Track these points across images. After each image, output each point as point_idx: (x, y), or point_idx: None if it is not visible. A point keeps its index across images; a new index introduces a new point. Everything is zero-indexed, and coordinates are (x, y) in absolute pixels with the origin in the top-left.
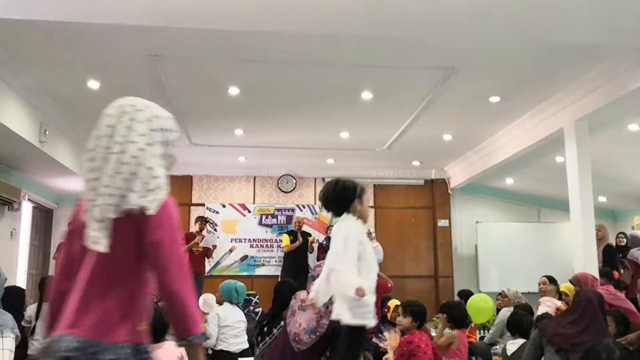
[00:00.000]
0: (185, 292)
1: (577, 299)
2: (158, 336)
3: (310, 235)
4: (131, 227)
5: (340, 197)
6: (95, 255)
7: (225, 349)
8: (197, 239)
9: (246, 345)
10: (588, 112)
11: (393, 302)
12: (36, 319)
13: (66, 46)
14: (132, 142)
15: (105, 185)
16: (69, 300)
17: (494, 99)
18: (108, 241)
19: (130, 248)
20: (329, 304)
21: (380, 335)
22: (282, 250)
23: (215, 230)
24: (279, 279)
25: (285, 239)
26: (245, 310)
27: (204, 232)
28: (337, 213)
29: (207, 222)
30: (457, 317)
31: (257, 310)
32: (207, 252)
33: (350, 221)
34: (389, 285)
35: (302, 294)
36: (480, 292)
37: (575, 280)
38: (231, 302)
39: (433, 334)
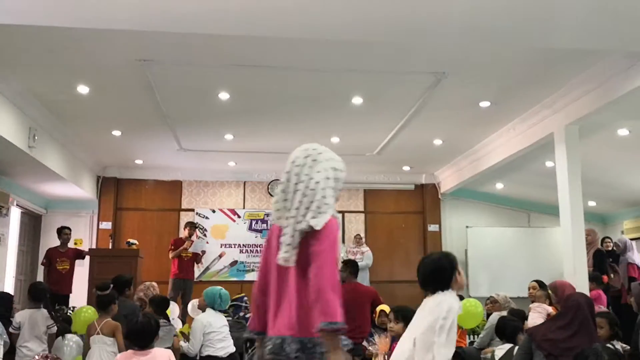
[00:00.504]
0: (331, 291)
1: (567, 304)
2: (146, 342)
3: None
4: (307, 242)
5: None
6: (288, 269)
7: (212, 354)
8: (186, 245)
9: (233, 349)
10: (578, 116)
11: (381, 307)
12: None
13: (55, 51)
14: (313, 178)
15: (292, 215)
16: (275, 305)
17: (484, 104)
18: (295, 257)
19: (308, 259)
20: None
21: (370, 339)
22: None
23: (205, 235)
24: None
25: None
26: (235, 317)
27: (193, 238)
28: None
29: (196, 227)
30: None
31: (247, 316)
32: (197, 258)
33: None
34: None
35: None
36: (470, 297)
37: (553, 288)
38: (214, 308)
39: None
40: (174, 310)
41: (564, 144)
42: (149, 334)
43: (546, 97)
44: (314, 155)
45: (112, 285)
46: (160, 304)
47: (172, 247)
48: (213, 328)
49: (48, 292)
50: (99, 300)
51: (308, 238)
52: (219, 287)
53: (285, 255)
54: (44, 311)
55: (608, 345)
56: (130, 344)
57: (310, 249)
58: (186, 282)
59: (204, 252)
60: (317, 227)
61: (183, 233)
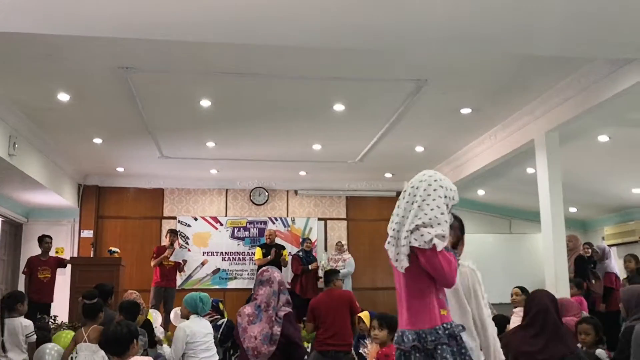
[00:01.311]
0: (450, 273)
1: (533, 310)
2: (121, 349)
3: (284, 248)
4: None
5: None
6: (403, 274)
7: None
8: (167, 253)
9: (217, 358)
10: (558, 123)
11: (362, 314)
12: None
13: (35, 58)
14: (426, 201)
15: (406, 230)
16: (400, 306)
17: (466, 111)
18: (407, 265)
19: (419, 266)
20: (278, 309)
21: (362, 343)
22: (255, 264)
23: (187, 243)
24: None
25: (258, 252)
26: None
27: (175, 246)
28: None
29: (178, 235)
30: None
31: (219, 323)
32: (179, 267)
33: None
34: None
35: (246, 309)
36: None
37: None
38: (197, 314)
39: None
40: (156, 318)
41: (544, 150)
42: (124, 341)
43: (527, 104)
44: (428, 180)
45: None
46: (129, 309)
47: (154, 255)
48: (197, 337)
49: (24, 300)
50: (86, 308)
51: (417, 251)
52: (198, 293)
53: (402, 263)
54: (22, 319)
55: (591, 351)
56: (107, 353)
57: (420, 259)
58: (168, 290)
59: (185, 261)
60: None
61: (165, 241)
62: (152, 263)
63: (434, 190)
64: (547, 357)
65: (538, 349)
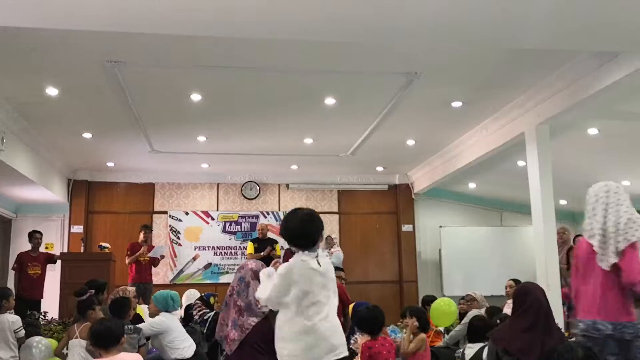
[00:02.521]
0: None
1: (524, 301)
2: (107, 344)
3: (276, 242)
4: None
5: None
6: (604, 271)
7: (180, 357)
8: (142, 250)
9: (194, 347)
10: (548, 116)
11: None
12: None
13: (23, 52)
14: (619, 205)
15: (612, 232)
16: (585, 295)
17: (456, 104)
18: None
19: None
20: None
21: (353, 339)
22: (246, 258)
23: (178, 238)
24: None
25: (250, 247)
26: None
27: (156, 243)
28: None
29: (151, 230)
30: (426, 320)
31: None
32: (154, 262)
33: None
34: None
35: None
36: (444, 296)
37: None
38: (168, 311)
39: (398, 338)
40: (147, 313)
41: (535, 143)
42: (109, 336)
43: (517, 97)
44: (614, 188)
45: (92, 290)
46: (118, 306)
47: (129, 253)
48: (175, 330)
49: (9, 296)
50: (77, 305)
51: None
52: (167, 291)
53: (610, 260)
54: (9, 315)
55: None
56: (94, 348)
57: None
58: (145, 286)
59: (162, 256)
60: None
61: (139, 237)
62: (127, 261)
63: (621, 194)
64: (540, 349)
65: (530, 342)
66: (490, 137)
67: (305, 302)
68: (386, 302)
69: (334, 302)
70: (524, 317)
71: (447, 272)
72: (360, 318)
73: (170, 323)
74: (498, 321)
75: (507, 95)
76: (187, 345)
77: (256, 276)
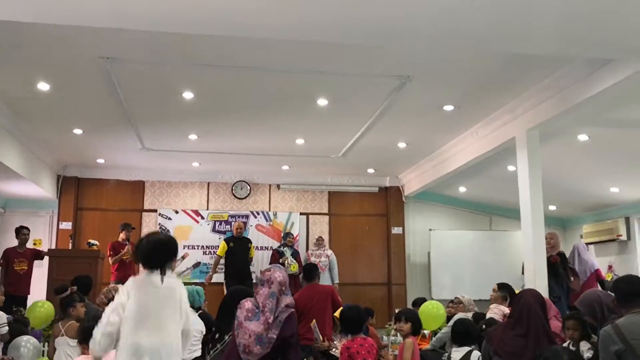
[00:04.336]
0: None
1: (519, 308)
2: None
3: (250, 242)
4: None
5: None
6: None
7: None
8: (126, 249)
9: (199, 353)
10: (539, 121)
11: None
12: None
13: (14, 47)
14: None
15: None
16: None
17: (448, 108)
18: None
19: None
20: (278, 313)
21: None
22: (215, 257)
23: None
24: (224, 286)
25: (222, 247)
26: None
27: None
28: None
29: (133, 229)
30: (420, 325)
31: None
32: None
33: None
34: None
35: (247, 303)
36: (432, 299)
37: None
38: (193, 307)
39: (384, 341)
40: None
41: (525, 148)
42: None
43: (508, 102)
44: None
45: (74, 287)
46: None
47: (111, 253)
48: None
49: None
50: (60, 303)
51: None
52: (192, 286)
53: None
54: None
55: (569, 347)
56: (82, 346)
57: None
58: None
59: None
60: None
61: (120, 236)
62: (111, 261)
63: None
64: (530, 354)
65: (523, 347)
66: (481, 142)
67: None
68: (375, 305)
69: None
70: (516, 322)
71: (436, 275)
72: (340, 318)
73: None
74: (483, 326)
75: (499, 100)
76: (191, 348)
77: (285, 289)
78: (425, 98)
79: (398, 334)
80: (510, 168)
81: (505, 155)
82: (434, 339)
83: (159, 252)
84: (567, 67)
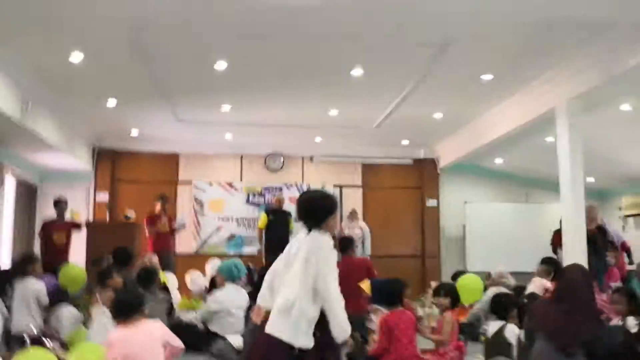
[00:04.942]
0: None
1: (565, 284)
2: (128, 314)
3: (290, 215)
4: None
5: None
6: None
7: (218, 332)
8: (164, 221)
9: (241, 329)
10: (580, 91)
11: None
12: None
13: (48, 17)
14: None
15: None
16: None
17: (486, 77)
18: None
19: None
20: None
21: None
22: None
23: (202, 208)
24: (263, 259)
25: (263, 219)
26: None
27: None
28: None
29: (168, 200)
30: (458, 299)
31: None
32: (174, 232)
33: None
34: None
35: None
36: (467, 271)
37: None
38: (234, 281)
39: (419, 313)
40: (173, 282)
41: (565, 119)
42: (129, 306)
43: (549, 71)
44: None
45: (111, 257)
46: (144, 278)
47: (148, 224)
48: (227, 308)
49: (35, 262)
50: (97, 275)
51: None
52: (232, 259)
53: None
54: (34, 281)
55: (620, 324)
56: (114, 319)
57: None
58: (165, 255)
59: (184, 225)
60: None
61: (156, 209)
62: (147, 232)
63: None
64: (573, 333)
65: (566, 324)
66: (520, 112)
67: None
68: (408, 277)
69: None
70: (561, 298)
71: (471, 248)
72: (376, 290)
73: (226, 303)
74: (525, 300)
75: (539, 69)
76: (231, 326)
77: None
78: (463, 67)
79: (434, 306)
80: (549, 139)
81: (544, 126)
82: (470, 313)
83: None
84: (611, 34)
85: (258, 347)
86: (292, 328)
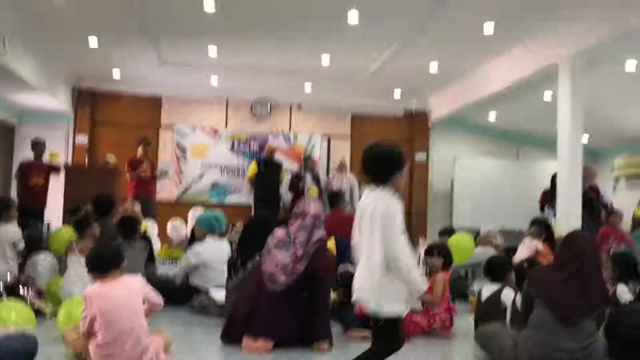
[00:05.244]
0: None
1: (570, 251)
2: (105, 269)
3: (281, 166)
4: None
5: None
6: None
7: (198, 285)
8: (144, 166)
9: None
10: (585, 47)
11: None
12: None
13: None
14: None
15: None
16: None
17: (486, 28)
18: None
19: None
20: (308, 247)
21: None
22: (247, 180)
23: (184, 154)
24: (252, 209)
25: (252, 168)
26: None
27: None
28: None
29: (150, 144)
30: (452, 259)
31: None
32: (155, 178)
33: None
34: None
35: (279, 232)
36: (453, 227)
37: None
38: (213, 232)
39: None
40: (152, 229)
41: (568, 74)
42: (107, 261)
43: (552, 24)
44: None
45: (89, 206)
46: (126, 227)
47: (129, 169)
48: (206, 259)
49: (11, 206)
50: (74, 224)
51: None
52: (211, 212)
53: None
54: (9, 227)
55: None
56: (92, 275)
57: None
58: (146, 201)
59: (166, 172)
60: None
61: (138, 152)
62: (129, 177)
63: None
64: (576, 302)
65: (568, 294)
66: (519, 66)
67: None
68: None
69: None
70: (564, 268)
71: (458, 204)
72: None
73: (206, 256)
74: (525, 264)
75: (544, 21)
76: (213, 279)
77: (318, 223)
78: (463, 16)
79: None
80: (547, 96)
81: (543, 82)
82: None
83: None
84: None
85: None
86: (375, 295)
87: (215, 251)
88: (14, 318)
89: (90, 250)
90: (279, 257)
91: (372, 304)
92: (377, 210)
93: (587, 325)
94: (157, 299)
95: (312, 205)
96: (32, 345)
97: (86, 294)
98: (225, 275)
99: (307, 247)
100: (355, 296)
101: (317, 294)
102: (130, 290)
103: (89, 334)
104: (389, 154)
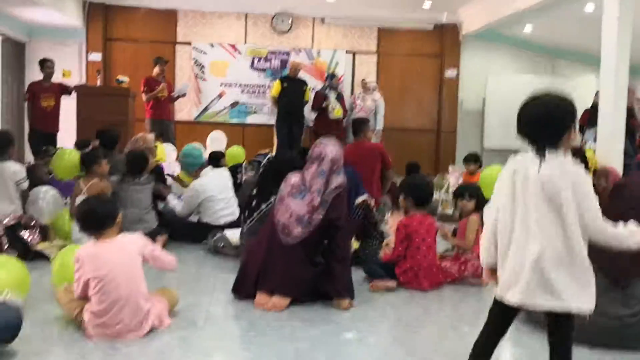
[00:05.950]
0: None
1: (625, 206)
2: (100, 229)
3: (306, 84)
4: None
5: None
6: None
7: (210, 222)
8: (161, 87)
9: (234, 217)
10: None
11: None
12: None
13: None
14: None
15: None
16: None
17: None
18: None
19: None
20: (326, 195)
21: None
22: (270, 97)
23: (202, 72)
24: (274, 129)
25: (276, 87)
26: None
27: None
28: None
29: (167, 62)
30: (484, 201)
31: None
32: (172, 98)
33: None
34: None
35: (294, 178)
36: (484, 148)
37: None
38: (188, 171)
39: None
40: (169, 153)
41: None
42: (98, 220)
43: None
44: None
45: (98, 142)
46: (133, 164)
47: (145, 89)
48: (212, 193)
49: (13, 143)
50: (82, 159)
51: None
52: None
53: None
54: (12, 164)
55: None
56: (82, 231)
57: None
58: (164, 123)
59: (184, 95)
60: None
61: (154, 71)
62: (145, 98)
63: None
64: (626, 269)
65: (623, 257)
66: None
67: None
68: (422, 152)
69: None
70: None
71: (490, 123)
72: (411, 184)
73: (209, 187)
74: None
75: None
76: (222, 214)
77: (337, 168)
78: None
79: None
80: (588, 8)
81: None
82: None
83: None
84: None
85: None
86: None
87: (217, 183)
88: None
89: (80, 204)
90: (294, 206)
91: (576, 304)
92: (567, 191)
93: (638, 290)
94: (165, 258)
95: (331, 147)
96: (14, 318)
97: (78, 256)
98: (233, 202)
99: (325, 194)
100: (560, 306)
101: (337, 246)
102: (127, 252)
103: (84, 297)
104: (562, 108)
